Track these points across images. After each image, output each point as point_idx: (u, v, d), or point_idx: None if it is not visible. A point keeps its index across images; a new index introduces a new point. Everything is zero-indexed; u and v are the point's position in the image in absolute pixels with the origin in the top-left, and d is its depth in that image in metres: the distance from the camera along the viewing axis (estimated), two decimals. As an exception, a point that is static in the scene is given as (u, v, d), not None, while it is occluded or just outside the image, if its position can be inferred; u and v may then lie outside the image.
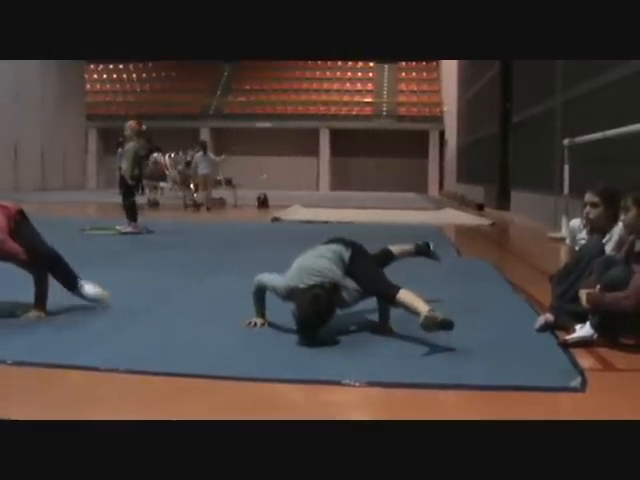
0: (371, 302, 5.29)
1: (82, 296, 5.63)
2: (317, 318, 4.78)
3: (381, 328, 5.15)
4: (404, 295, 4.89)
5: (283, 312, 5.35)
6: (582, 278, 5.03)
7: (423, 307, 4.72)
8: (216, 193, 23.06)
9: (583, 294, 4.71)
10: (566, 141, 12.96)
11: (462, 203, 26.49)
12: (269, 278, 5.20)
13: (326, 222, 15.25)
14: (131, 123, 12.91)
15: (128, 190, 12.69)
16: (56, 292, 5.56)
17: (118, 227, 12.51)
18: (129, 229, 12.42)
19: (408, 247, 6.38)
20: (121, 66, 50.21)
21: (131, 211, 12.64)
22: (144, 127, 13.26)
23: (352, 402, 3.78)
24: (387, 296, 5.00)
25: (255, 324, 5.21)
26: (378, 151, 44.29)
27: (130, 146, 12.67)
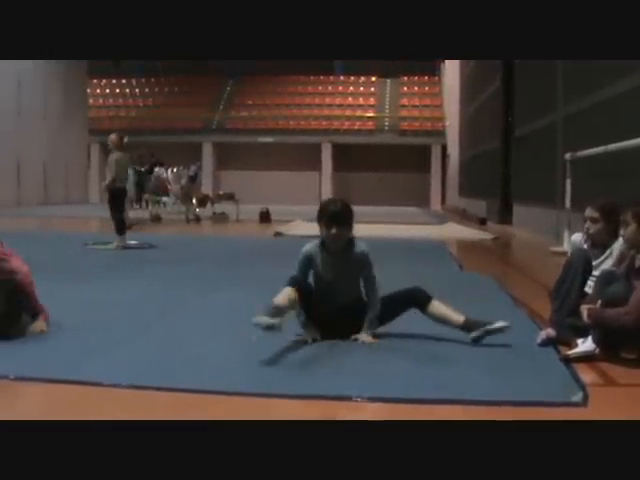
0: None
1: None
2: None
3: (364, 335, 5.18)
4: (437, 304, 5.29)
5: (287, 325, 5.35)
6: (574, 288, 5.07)
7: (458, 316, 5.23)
8: (218, 207, 23.10)
9: (584, 309, 4.71)
10: (568, 155, 12.98)
11: (464, 217, 26.49)
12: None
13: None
14: (112, 137, 12.86)
15: (116, 203, 12.56)
16: (58, 307, 5.58)
17: (115, 242, 12.46)
18: (118, 243, 12.31)
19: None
20: (124, 80, 50.35)
21: (119, 225, 12.51)
22: (125, 140, 13.15)
23: (354, 417, 3.78)
24: (422, 299, 5.28)
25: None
26: (380, 165, 44.33)
27: (112, 157, 12.54)
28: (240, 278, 8.82)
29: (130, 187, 12.69)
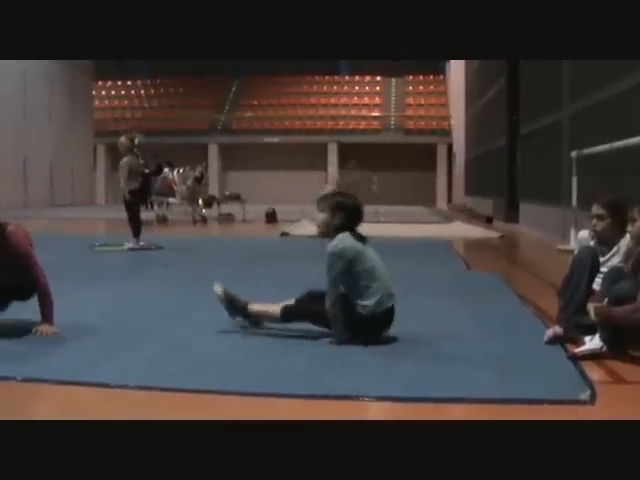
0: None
1: None
2: None
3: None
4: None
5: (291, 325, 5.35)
6: (581, 285, 5.05)
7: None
8: (224, 208, 23.11)
9: (591, 307, 4.70)
10: (574, 153, 12.95)
11: (471, 216, 26.47)
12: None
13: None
14: (122, 140, 12.56)
15: (128, 206, 12.58)
16: (67, 309, 5.58)
17: (127, 244, 12.46)
18: (131, 245, 12.30)
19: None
20: (129, 82, 50.42)
21: (134, 227, 12.48)
22: (136, 141, 12.93)
23: (361, 416, 3.77)
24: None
25: None
26: (386, 165, 44.28)
27: (123, 162, 12.44)
28: (247, 279, 8.80)
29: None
